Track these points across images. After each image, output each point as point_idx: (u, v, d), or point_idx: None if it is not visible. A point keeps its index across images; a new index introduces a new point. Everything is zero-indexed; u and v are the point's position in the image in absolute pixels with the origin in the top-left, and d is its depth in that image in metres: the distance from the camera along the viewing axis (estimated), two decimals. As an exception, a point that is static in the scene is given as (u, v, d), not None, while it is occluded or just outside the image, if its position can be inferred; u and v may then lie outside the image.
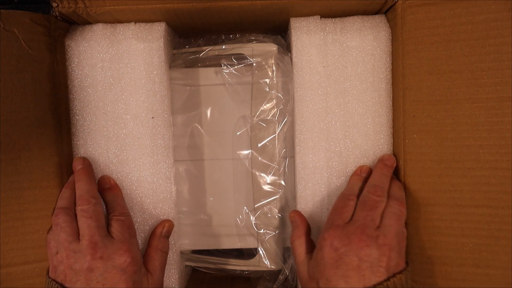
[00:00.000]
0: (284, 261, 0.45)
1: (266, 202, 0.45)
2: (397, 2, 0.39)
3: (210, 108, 0.45)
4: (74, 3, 0.38)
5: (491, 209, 0.36)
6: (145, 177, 0.41)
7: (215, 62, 0.46)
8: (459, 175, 0.37)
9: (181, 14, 0.40)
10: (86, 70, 0.40)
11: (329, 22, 0.41)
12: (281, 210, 0.45)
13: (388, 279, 0.31)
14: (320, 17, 0.42)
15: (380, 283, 0.31)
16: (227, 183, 0.45)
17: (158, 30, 0.41)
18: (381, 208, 0.35)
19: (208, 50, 0.45)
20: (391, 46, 0.41)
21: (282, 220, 0.45)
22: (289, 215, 0.41)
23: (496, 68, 0.36)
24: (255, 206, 0.45)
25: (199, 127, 0.45)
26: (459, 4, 0.36)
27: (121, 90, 0.40)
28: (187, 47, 0.46)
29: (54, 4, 0.38)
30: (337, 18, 0.42)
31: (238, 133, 0.45)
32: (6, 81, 0.35)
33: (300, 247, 0.38)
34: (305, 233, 0.39)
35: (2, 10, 0.35)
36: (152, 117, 0.40)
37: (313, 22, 0.41)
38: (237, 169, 0.45)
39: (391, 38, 0.41)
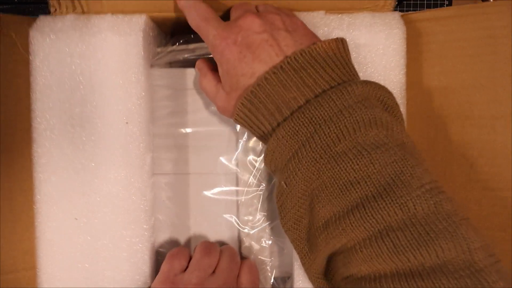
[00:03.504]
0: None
1: (259, 225, 0.38)
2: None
3: (198, 115, 0.39)
4: (72, 7, 0.35)
5: (482, 230, 0.32)
6: (116, 193, 0.35)
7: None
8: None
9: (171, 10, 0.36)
10: (52, 66, 0.35)
11: (335, 17, 0.36)
12: (277, 235, 0.39)
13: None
14: (325, 12, 0.36)
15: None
16: (216, 202, 0.39)
17: (138, 23, 0.35)
18: None
19: (198, 48, 0.39)
20: (405, 46, 0.35)
21: (274, 247, 0.39)
22: (196, 64, 0.37)
23: (489, 85, 0.34)
24: (250, 232, 0.38)
25: (185, 137, 0.39)
26: (453, 21, 0.35)
27: (91, 89, 0.35)
28: (174, 45, 0.41)
29: (52, 9, 0.36)
30: (344, 14, 0.36)
31: (228, 145, 0.39)
32: (1, 86, 0.35)
33: (208, 84, 0.34)
34: (209, 70, 0.35)
35: (1, 14, 0.35)
36: (126, 122, 0.35)
37: (317, 17, 0.35)
38: (229, 185, 0.39)
39: (405, 37, 0.35)
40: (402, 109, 0.35)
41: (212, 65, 0.36)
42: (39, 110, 0.35)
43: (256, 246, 0.38)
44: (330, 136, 0.26)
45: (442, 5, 0.66)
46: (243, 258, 0.38)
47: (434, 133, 0.37)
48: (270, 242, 0.38)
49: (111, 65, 0.35)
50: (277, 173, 0.30)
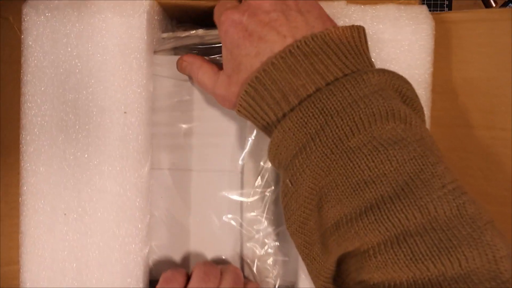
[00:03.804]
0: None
1: (263, 229, 0.35)
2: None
3: (204, 107, 0.36)
4: None
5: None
6: (109, 187, 0.32)
7: (216, 50, 0.37)
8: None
9: None
10: (47, 46, 0.32)
11: (357, 8, 0.33)
12: (282, 241, 0.36)
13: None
14: (346, 3, 0.33)
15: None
16: (218, 202, 0.36)
17: (142, 4, 0.32)
18: None
19: (208, 36, 0.36)
20: (433, 43, 0.32)
21: (278, 254, 0.36)
22: (183, 59, 0.34)
23: None
24: (253, 236, 0.35)
25: (188, 131, 0.36)
26: (480, 24, 0.33)
27: (89, 74, 0.32)
28: (181, 31, 0.38)
29: None
30: (367, 5, 0.33)
31: (235, 142, 0.36)
32: (-1, 72, 0.35)
33: (205, 75, 0.32)
34: (204, 62, 0.33)
35: (-1, -3, 0.35)
36: (125, 112, 0.32)
37: (337, 7, 0.32)
38: (234, 185, 0.36)
39: (434, 33, 0.32)
40: (427, 111, 0.33)
41: (206, 59, 0.34)
42: (30, 94, 0.32)
43: (259, 252, 0.35)
44: (343, 129, 0.24)
45: (442, 6, 0.65)
46: (245, 274, 0.35)
47: (451, 141, 0.35)
48: (274, 248, 0.36)
49: (110, 48, 0.32)
50: (281, 170, 0.27)
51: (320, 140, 0.24)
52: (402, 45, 0.32)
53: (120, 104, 0.32)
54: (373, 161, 0.23)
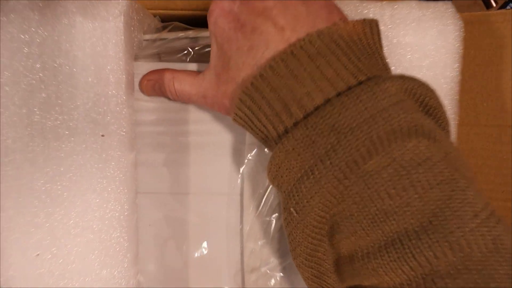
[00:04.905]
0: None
1: (267, 260, 0.31)
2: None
3: (195, 120, 0.32)
4: None
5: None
6: (88, 223, 0.27)
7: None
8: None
9: None
10: (5, 58, 0.26)
11: (373, 6, 0.28)
12: (288, 271, 0.32)
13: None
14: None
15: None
16: (216, 230, 0.32)
17: (118, 4, 0.27)
18: None
19: (198, 37, 0.31)
20: (461, 47, 0.28)
21: (284, 284, 0.32)
22: (143, 82, 0.30)
23: (496, 95, 0.34)
24: (256, 268, 0.31)
25: (183, 146, 0.32)
26: (481, 25, 0.34)
27: (57, 90, 0.27)
28: (166, 31, 0.33)
29: None
30: (385, 2, 0.28)
31: (234, 160, 0.32)
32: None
33: (183, 83, 0.28)
34: (175, 71, 0.28)
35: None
36: (102, 135, 0.27)
37: (351, 4, 0.28)
38: (233, 209, 0.32)
39: (462, 35, 0.28)
40: (453, 122, 0.29)
41: (174, 69, 0.29)
42: (-14, 116, 0.27)
43: (263, 284, 0.32)
44: (358, 150, 0.20)
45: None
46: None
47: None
48: (280, 279, 0.32)
49: (81, 59, 0.26)
50: (283, 195, 0.24)
51: (331, 162, 0.20)
52: (426, 50, 0.28)
53: (97, 126, 0.27)
54: (395, 188, 0.20)
